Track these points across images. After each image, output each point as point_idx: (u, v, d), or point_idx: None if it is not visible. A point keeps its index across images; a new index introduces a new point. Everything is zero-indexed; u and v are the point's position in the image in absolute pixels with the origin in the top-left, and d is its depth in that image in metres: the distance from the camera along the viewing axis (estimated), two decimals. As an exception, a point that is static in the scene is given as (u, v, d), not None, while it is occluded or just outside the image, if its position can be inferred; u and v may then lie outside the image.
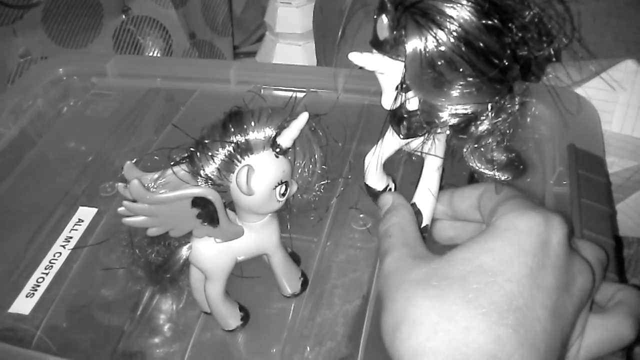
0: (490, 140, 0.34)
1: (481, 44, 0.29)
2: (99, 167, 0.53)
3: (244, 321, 0.39)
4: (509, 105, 0.32)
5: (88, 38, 0.72)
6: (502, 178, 0.36)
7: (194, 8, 0.78)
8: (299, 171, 0.35)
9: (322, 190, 0.37)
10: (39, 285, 0.44)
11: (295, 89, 0.55)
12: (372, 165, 0.37)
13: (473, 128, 0.32)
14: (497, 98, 0.31)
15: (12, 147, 0.55)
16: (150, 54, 0.75)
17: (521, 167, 0.37)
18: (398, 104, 0.32)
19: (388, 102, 0.32)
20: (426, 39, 0.29)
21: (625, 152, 0.52)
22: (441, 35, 0.29)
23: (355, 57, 0.31)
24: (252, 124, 0.32)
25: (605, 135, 0.50)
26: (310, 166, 0.35)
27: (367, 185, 0.39)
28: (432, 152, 0.35)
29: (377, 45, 0.31)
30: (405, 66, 0.30)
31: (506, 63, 0.30)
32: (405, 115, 0.33)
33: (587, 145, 0.47)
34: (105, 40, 0.73)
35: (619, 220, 0.56)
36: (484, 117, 0.32)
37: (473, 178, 0.39)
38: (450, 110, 0.31)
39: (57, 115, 0.59)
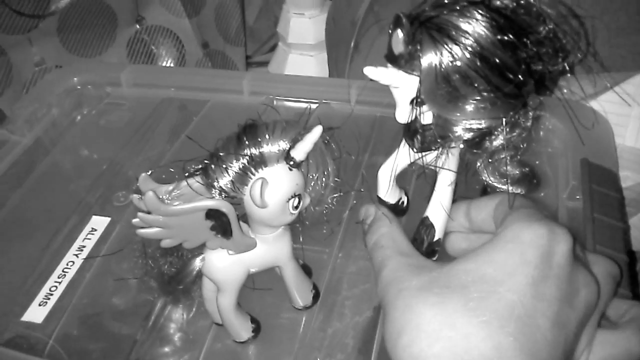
0: (503, 154, 0.34)
1: (496, 59, 0.29)
2: (113, 176, 0.53)
3: (256, 333, 0.39)
4: (523, 120, 0.32)
5: (102, 47, 0.72)
6: (516, 192, 0.36)
7: (208, 18, 0.78)
8: (312, 184, 0.35)
9: (334, 203, 0.37)
10: (51, 294, 0.44)
11: (308, 100, 0.55)
12: (385, 179, 0.37)
13: (487, 143, 0.32)
14: (511, 113, 0.31)
15: (27, 155, 0.56)
16: (164, 64, 0.75)
17: (535, 181, 0.37)
18: (412, 118, 0.32)
19: (402, 116, 0.32)
20: (441, 53, 0.29)
21: (639, 166, 0.51)
22: (456, 50, 0.29)
23: (370, 71, 0.31)
24: (267, 137, 0.32)
25: (618, 149, 0.50)
26: (323, 179, 0.35)
27: (379, 199, 0.39)
28: (446, 166, 0.35)
29: (392, 59, 0.31)
30: (420, 80, 0.30)
31: (521, 78, 0.30)
32: (420, 129, 0.33)
33: (601, 160, 0.47)
34: (119, 50, 0.73)
35: (632, 235, 0.56)
36: (498, 132, 0.32)
37: (486, 191, 0.39)
38: (465, 125, 0.31)
39: (71, 124, 0.60)
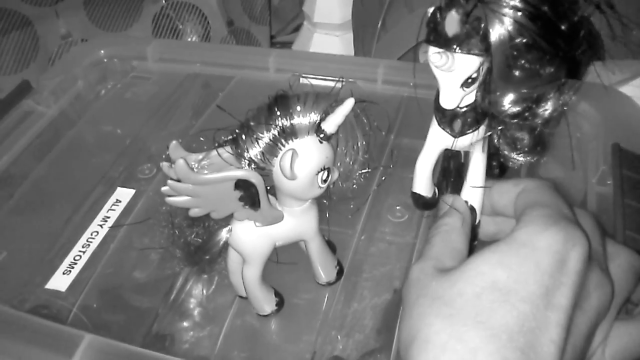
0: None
1: (555, 23, 0.29)
2: (137, 149, 0.54)
3: (279, 307, 0.39)
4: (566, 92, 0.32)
5: (128, 22, 0.72)
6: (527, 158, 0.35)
7: (234, -5, 0.78)
8: (341, 158, 0.35)
9: (362, 179, 0.37)
10: (75, 263, 0.44)
11: (335, 79, 0.55)
12: (424, 172, 0.36)
13: (531, 114, 0.32)
14: (562, 80, 0.30)
15: (52, 127, 0.56)
16: (188, 40, 0.75)
17: (539, 148, 0.36)
18: (459, 101, 0.31)
19: (452, 101, 0.31)
20: (508, 24, 0.28)
21: (670, 153, 0.51)
22: (521, 18, 0.28)
23: (437, 59, 0.30)
24: (298, 108, 0.31)
25: (649, 134, 0.49)
26: (353, 154, 0.35)
27: (416, 195, 0.37)
28: (478, 146, 0.35)
29: (445, 42, 0.30)
30: (490, 57, 0.29)
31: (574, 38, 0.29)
32: (461, 112, 0.32)
33: (631, 145, 0.46)
34: (145, 25, 0.73)
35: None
36: (545, 101, 0.31)
37: (503, 168, 0.38)
38: (514, 97, 0.30)
39: (97, 97, 0.60)
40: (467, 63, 0.30)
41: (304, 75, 0.56)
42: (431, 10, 0.30)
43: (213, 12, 0.76)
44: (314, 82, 0.55)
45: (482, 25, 0.28)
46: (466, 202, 0.35)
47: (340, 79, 0.36)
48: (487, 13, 0.28)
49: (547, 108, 0.31)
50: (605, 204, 0.43)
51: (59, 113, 0.57)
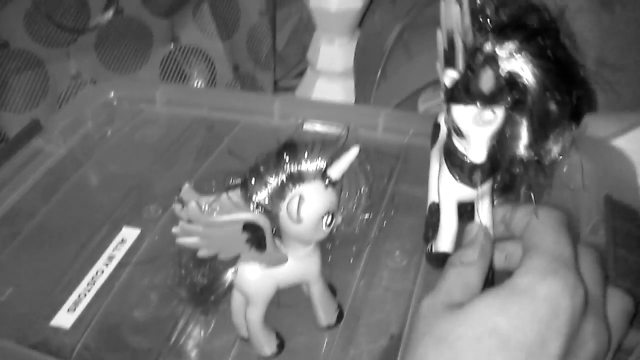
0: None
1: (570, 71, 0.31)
2: (143, 190, 0.55)
3: (279, 349, 0.40)
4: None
5: (137, 65, 0.74)
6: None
7: (240, 41, 0.80)
8: (345, 203, 0.36)
9: (364, 224, 0.38)
10: (80, 301, 0.45)
11: (337, 126, 0.57)
12: (450, 229, 0.37)
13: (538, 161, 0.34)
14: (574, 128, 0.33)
15: (60, 166, 0.57)
16: (195, 84, 0.77)
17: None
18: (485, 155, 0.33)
19: (483, 154, 0.33)
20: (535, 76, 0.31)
21: (661, 205, 0.52)
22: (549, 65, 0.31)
23: (489, 116, 0.31)
24: (305, 155, 0.33)
25: (641, 187, 0.51)
26: (355, 199, 0.36)
27: (440, 254, 0.38)
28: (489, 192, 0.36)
29: (486, 99, 0.31)
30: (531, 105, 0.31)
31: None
32: (480, 163, 0.34)
33: (623, 197, 0.47)
34: (153, 68, 0.75)
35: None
36: (552, 148, 0.33)
37: (506, 187, 0.39)
38: (525, 144, 0.32)
39: (105, 138, 0.61)
40: (501, 117, 0.31)
41: (307, 121, 0.58)
42: (452, 72, 0.32)
43: (219, 57, 0.78)
44: (317, 128, 0.58)
45: (515, 78, 0.30)
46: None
47: (345, 128, 0.37)
48: (518, 67, 0.30)
49: (555, 150, 0.33)
50: (601, 256, 0.44)
51: (67, 152, 0.58)
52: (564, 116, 0.33)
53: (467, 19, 0.32)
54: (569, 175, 0.50)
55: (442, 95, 0.37)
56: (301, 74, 0.90)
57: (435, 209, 0.41)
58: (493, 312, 0.30)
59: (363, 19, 0.78)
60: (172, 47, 0.76)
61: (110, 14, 0.68)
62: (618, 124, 0.54)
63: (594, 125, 0.54)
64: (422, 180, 0.43)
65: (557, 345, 0.29)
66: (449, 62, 0.34)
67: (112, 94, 0.63)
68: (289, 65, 0.93)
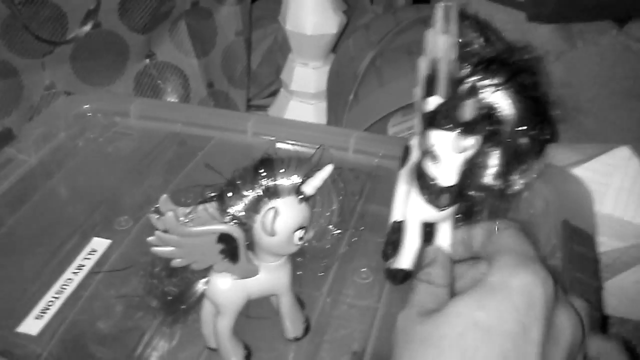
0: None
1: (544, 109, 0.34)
2: (115, 202, 0.55)
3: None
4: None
5: (111, 78, 0.75)
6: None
7: (215, 59, 0.81)
8: (317, 219, 0.38)
9: (334, 239, 0.39)
10: (48, 309, 0.45)
11: (309, 146, 0.58)
12: (413, 247, 0.39)
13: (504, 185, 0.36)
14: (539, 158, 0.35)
15: (31, 175, 0.57)
16: (168, 99, 0.78)
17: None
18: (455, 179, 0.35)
19: (453, 178, 0.35)
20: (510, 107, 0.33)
21: (615, 233, 0.55)
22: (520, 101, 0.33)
23: (469, 142, 0.33)
24: (281, 170, 0.34)
25: (597, 215, 0.53)
26: (327, 215, 0.38)
27: (400, 270, 0.40)
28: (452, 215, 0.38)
29: (467, 126, 0.33)
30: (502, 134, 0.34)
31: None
32: (448, 187, 0.35)
33: (580, 223, 0.50)
34: (127, 82, 0.76)
35: (606, 299, 0.59)
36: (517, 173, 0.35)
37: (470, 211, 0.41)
38: (494, 172, 0.34)
39: (77, 149, 0.61)
40: (476, 143, 0.33)
41: (280, 140, 0.59)
42: (436, 98, 0.34)
43: (194, 74, 0.79)
44: (290, 147, 0.59)
45: (494, 111, 0.33)
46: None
47: (320, 147, 0.39)
48: (498, 100, 0.32)
49: (520, 181, 0.36)
50: (555, 276, 0.46)
51: (39, 162, 0.58)
52: (534, 149, 0.35)
53: (454, 50, 0.34)
54: (529, 201, 0.53)
55: (417, 120, 0.39)
56: (274, 93, 0.91)
57: (396, 228, 0.43)
58: (472, 309, 0.31)
59: (337, 44, 0.81)
60: (147, 62, 0.77)
61: (88, 27, 0.69)
62: (578, 154, 0.57)
63: (555, 154, 0.57)
64: (390, 200, 0.45)
65: (537, 331, 0.30)
66: (430, 88, 0.36)
67: (86, 106, 0.63)
68: (262, 84, 0.94)
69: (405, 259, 0.39)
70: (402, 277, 0.40)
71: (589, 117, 0.64)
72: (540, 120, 0.35)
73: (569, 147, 0.58)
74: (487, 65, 0.33)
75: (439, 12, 0.36)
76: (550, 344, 0.31)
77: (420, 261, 0.39)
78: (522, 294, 0.31)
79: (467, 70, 0.34)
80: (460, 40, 0.35)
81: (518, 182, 0.37)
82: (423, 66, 0.38)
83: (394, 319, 0.35)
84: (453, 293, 0.36)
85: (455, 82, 0.34)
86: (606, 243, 0.55)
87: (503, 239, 0.35)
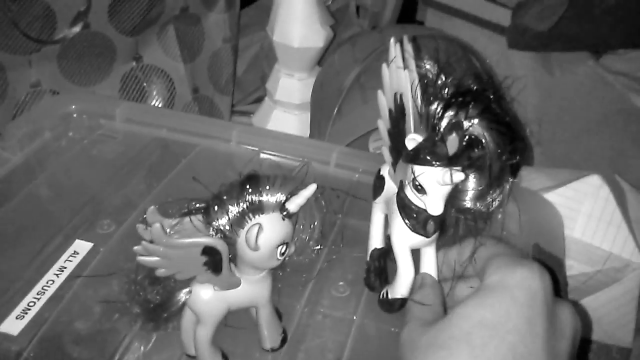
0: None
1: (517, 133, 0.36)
2: (98, 204, 0.56)
3: (224, 368, 0.42)
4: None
5: (97, 78, 0.75)
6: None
7: (202, 65, 0.82)
8: (298, 234, 0.39)
9: (314, 255, 0.41)
10: (29, 309, 0.45)
11: (292, 158, 0.59)
12: (410, 275, 0.40)
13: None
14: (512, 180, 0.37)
15: (15, 174, 0.57)
16: (153, 102, 0.78)
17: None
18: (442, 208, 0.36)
19: (441, 207, 0.36)
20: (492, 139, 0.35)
21: (584, 258, 0.57)
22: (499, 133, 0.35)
23: (458, 177, 0.34)
24: (267, 187, 0.36)
25: (567, 240, 0.55)
26: (309, 231, 0.39)
27: (399, 300, 0.41)
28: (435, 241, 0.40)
29: (452, 160, 0.34)
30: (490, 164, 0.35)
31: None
32: (433, 215, 0.37)
33: (550, 246, 0.51)
34: (113, 83, 0.76)
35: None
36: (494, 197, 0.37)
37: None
38: (473, 196, 0.36)
39: (62, 150, 0.62)
40: (462, 175, 0.35)
41: (263, 151, 0.61)
42: (416, 136, 0.35)
43: (180, 78, 0.80)
44: (273, 158, 0.60)
45: (474, 141, 0.34)
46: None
47: (303, 163, 0.40)
48: (476, 131, 0.34)
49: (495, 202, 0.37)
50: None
51: (23, 161, 0.59)
52: (509, 172, 0.37)
53: (416, 85, 0.35)
54: (501, 223, 0.54)
55: (385, 151, 0.40)
56: (258, 100, 0.92)
57: (377, 256, 0.44)
58: (476, 310, 0.32)
59: (323, 58, 0.82)
60: (134, 64, 0.77)
61: (77, 28, 0.69)
62: (550, 179, 0.59)
63: (529, 178, 0.59)
64: (369, 215, 0.46)
65: (542, 324, 0.31)
66: (395, 123, 0.38)
67: (72, 107, 0.64)
68: (246, 90, 0.95)
69: (402, 288, 0.40)
70: (399, 305, 0.41)
71: (562, 143, 0.66)
72: (514, 144, 0.36)
73: (543, 172, 0.60)
74: (463, 99, 0.35)
75: (394, 47, 0.37)
76: (557, 335, 0.32)
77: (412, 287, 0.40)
78: (522, 289, 0.32)
79: (436, 103, 0.35)
80: (419, 73, 0.36)
81: (493, 204, 0.39)
82: (383, 100, 0.39)
83: (370, 330, 0.36)
84: (446, 310, 0.38)
85: (427, 116, 0.35)
86: (574, 267, 0.57)
87: (490, 249, 0.37)
